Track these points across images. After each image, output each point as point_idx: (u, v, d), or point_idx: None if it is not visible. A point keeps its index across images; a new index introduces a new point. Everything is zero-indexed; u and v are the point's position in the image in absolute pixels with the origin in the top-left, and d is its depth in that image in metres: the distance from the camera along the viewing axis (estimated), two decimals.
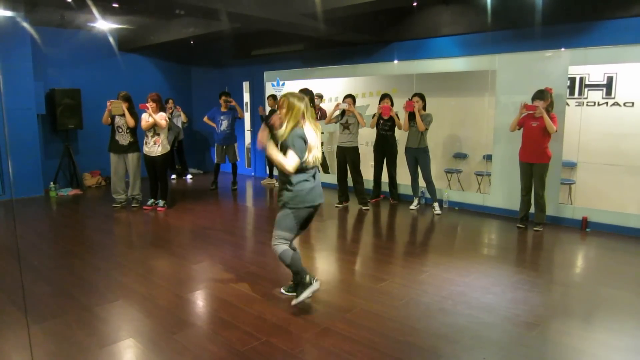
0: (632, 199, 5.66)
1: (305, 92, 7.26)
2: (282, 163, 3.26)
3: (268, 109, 8.51)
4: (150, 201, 6.73)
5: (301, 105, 3.32)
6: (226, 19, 5.68)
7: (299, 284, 3.45)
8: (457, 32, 6.49)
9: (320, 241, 5.21)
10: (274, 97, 8.54)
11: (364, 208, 6.74)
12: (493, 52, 6.26)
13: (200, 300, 3.68)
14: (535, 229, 5.56)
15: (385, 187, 7.26)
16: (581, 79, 6.07)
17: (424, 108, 6.37)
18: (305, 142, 3.30)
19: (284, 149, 3.30)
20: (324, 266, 4.46)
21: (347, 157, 6.74)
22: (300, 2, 5.57)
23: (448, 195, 6.90)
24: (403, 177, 7.06)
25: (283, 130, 3.29)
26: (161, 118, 6.35)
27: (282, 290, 3.75)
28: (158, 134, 6.43)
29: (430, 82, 7.09)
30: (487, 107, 6.74)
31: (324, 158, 8.37)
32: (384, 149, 6.91)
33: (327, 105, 8.29)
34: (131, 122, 6.38)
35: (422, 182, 6.62)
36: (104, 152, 6.85)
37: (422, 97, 6.34)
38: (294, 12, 5.74)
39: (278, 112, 3.38)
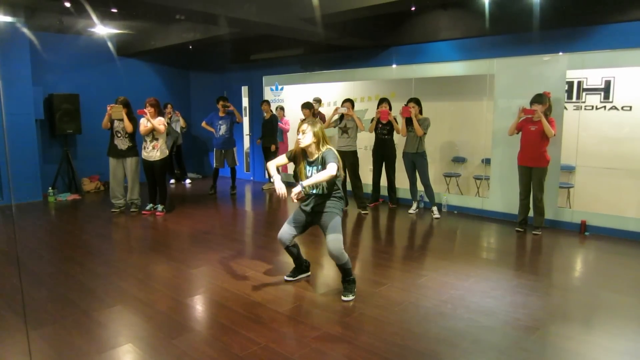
0: (630, 203, 5.67)
1: (308, 105, 7.30)
2: (330, 173, 3.45)
3: (264, 114, 8.50)
4: (149, 206, 6.73)
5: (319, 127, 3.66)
6: (225, 23, 5.70)
7: (298, 269, 4.13)
8: (456, 37, 6.51)
9: (320, 245, 5.20)
10: (267, 102, 8.53)
11: (362, 212, 6.74)
12: (491, 56, 6.29)
13: (199, 305, 3.68)
14: (534, 232, 5.56)
15: (384, 191, 7.26)
16: (579, 83, 6.10)
17: (420, 112, 6.39)
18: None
19: (318, 164, 3.61)
20: (323, 270, 4.45)
21: (346, 161, 6.73)
22: (299, 7, 5.59)
23: (447, 199, 6.90)
24: (402, 181, 7.07)
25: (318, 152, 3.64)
26: (159, 123, 6.36)
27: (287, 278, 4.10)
28: (157, 139, 6.44)
29: (428, 86, 7.11)
30: (485, 111, 6.76)
31: None
32: (383, 153, 6.92)
33: (326, 110, 8.31)
34: (129, 128, 6.38)
35: (420, 186, 6.63)
36: (102, 156, 6.85)
37: (417, 102, 6.36)
38: (293, 17, 5.76)
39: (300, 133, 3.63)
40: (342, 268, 3.66)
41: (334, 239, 3.56)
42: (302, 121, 3.70)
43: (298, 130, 3.64)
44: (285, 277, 4.12)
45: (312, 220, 3.80)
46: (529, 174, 5.52)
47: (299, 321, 3.34)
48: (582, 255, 5.06)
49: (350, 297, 3.67)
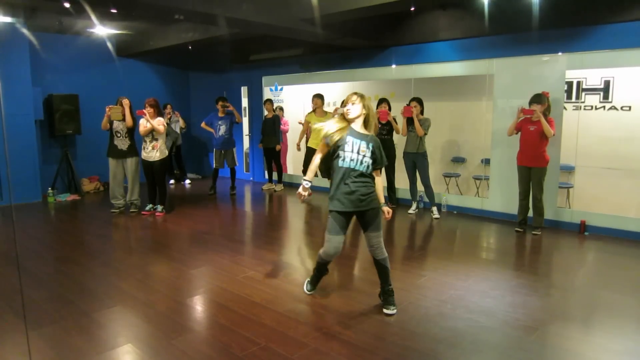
0: (630, 203, 5.68)
1: (319, 96, 7.27)
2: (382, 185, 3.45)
3: (265, 113, 8.50)
4: (149, 206, 6.72)
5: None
6: (224, 24, 5.70)
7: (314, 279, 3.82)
8: (455, 37, 6.51)
9: (319, 245, 5.20)
10: (270, 101, 8.53)
11: None
12: (490, 57, 6.29)
13: (198, 306, 3.67)
14: (533, 232, 5.56)
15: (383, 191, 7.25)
16: (578, 83, 6.10)
17: (422, 112, 6.39)
18: None
19: (369, 142, 3.28)
20: None
21: None
22: (298, 7, 5.59)
23: (446, 199, 6.90)
24: (401, 181, 7.07)
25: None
26: (159, 123, 6.35)
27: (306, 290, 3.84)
28: (156, 139, 6.44)
29: (428, 86, 7.11)
30: (484, 112, 6.77)
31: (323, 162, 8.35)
32: None
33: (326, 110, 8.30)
34: (130, 122, 6.37)
35: (420, 187, 6.63)
36: (102, 157, 6.85)
37: (420, 102, 6.35)
38: (293, 17, 5.77)
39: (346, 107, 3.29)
40: (385, 266, 3.43)
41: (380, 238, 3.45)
42: (352, 94, 3.30)
43: (345, 103, 3.28)
44: (306, 291, 3.83)
45: (350, 218, 3.48)
46: (528, 174, 5.52)
47: (299, 321, 3.34)
48: (582, 255, 5.06)
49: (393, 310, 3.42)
